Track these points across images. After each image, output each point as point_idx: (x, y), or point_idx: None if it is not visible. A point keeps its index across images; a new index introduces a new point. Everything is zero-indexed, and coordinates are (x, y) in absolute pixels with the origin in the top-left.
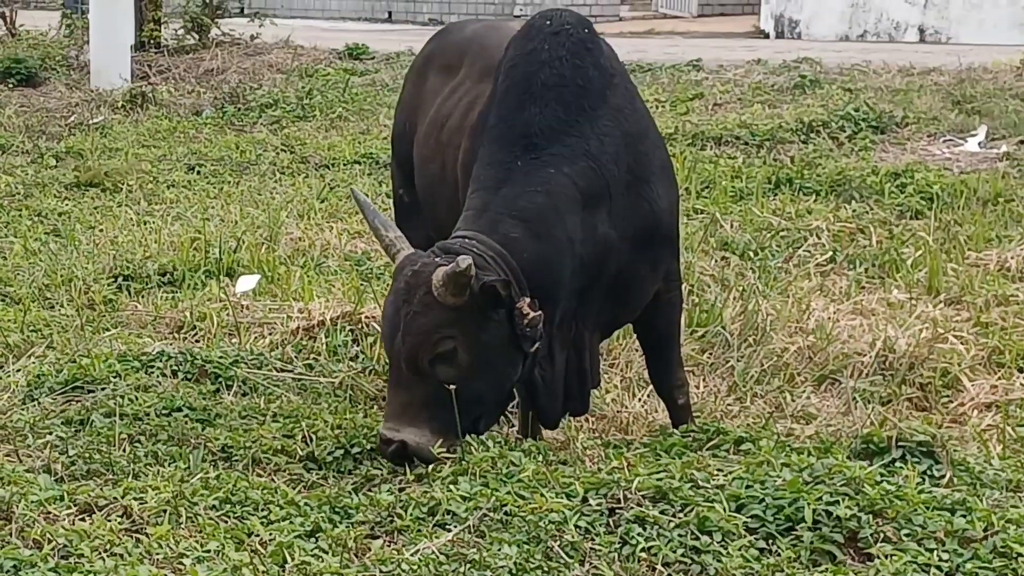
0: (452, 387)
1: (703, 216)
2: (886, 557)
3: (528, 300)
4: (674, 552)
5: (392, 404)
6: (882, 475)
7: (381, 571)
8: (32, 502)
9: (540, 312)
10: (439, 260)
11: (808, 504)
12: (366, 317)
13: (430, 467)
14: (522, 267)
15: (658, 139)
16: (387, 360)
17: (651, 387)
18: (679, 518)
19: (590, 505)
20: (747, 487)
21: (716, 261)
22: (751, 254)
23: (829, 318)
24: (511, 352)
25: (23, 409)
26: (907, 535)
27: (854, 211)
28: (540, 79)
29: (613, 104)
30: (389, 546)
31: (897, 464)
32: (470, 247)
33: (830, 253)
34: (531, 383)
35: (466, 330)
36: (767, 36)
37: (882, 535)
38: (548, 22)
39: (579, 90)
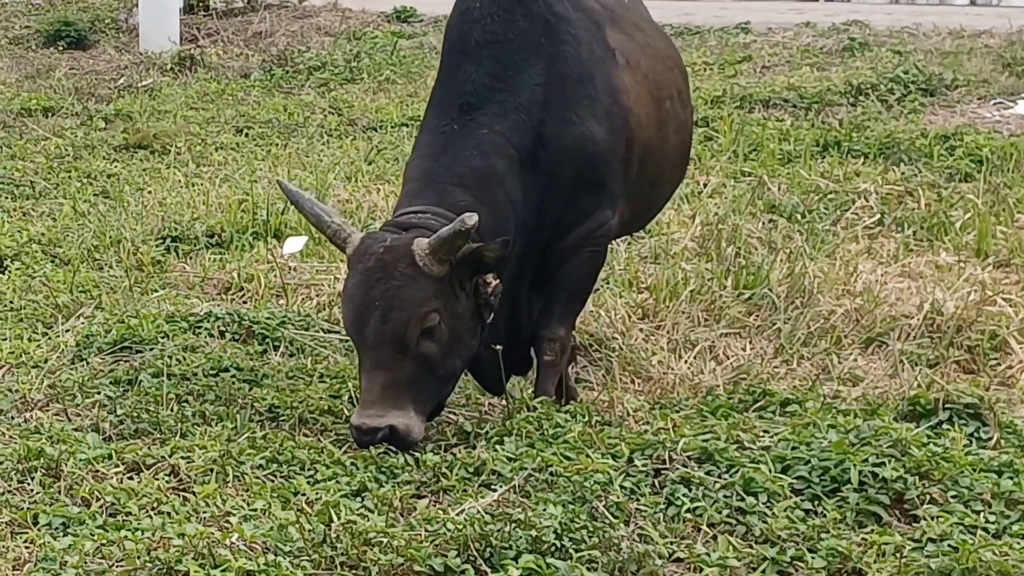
0: (432, 363)
1: (751, 179)
2: (932, 519)
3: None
4: (719, 513)
5: (370, 389)
6: (929, 437)
7: (427, 530)
8: (80, 460)
9: (499, 280)
10: (407, 235)
11: (854, 465)
12: None
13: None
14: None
15: (607, 84)
16: (356, 346)
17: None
18: (725, 479)
19: (635, 466)
20: (793, 448)
21: (763, 224)
22: (799, 216)
23: (877, 281)
24: (474, 323)
25: (72, 369)
26: (954, 497)
27: (903, 174)
28: (473, 38)
29: (548, 52)
30: (435, 506)
31: (944, 426)
32: (428, 222)
33: (878, 216)
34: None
35: (446, 302)
36: None
37: (928, 497)
38: None
39: (511, 44)
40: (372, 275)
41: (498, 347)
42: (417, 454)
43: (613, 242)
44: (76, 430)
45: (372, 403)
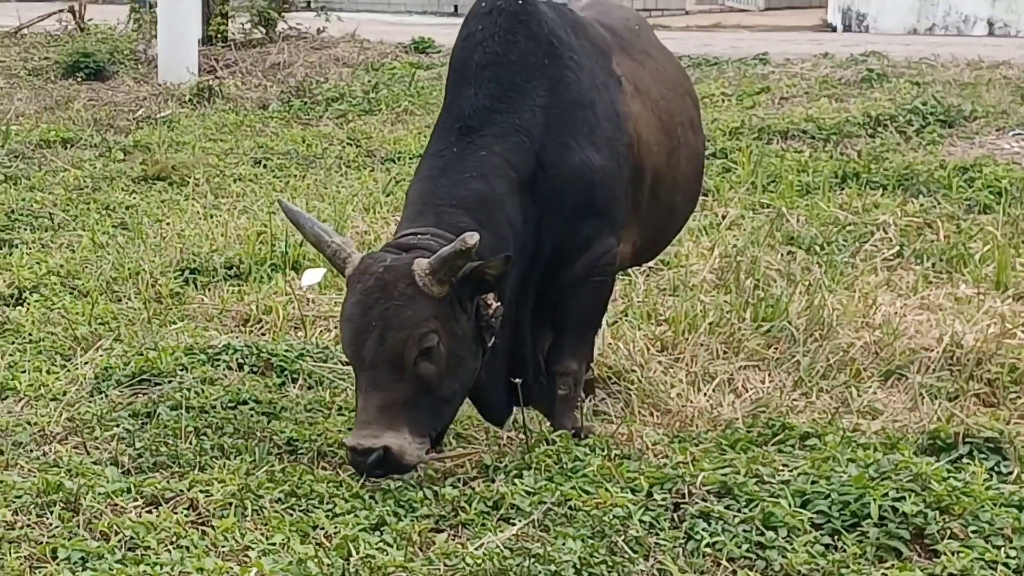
0: (430, 384)
1: (769, 210)
2: (953, 554)
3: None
4: (739, 547)
5: (366, 410)
6: (949, 471)
7: (445, 565)
8: (99, 494)
9: (500, 304)
10: (407, 255)
11: (874, 500)
12: None
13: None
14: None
15: (609, 111)
16: (353, 367)
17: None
18: (744, 513)
19: (655, 500)
20: (812, 483)
21: (782, 255)
22: (817, 248)
23: (896, 313)
24: (475, 346)
25: (91, 401)
26: (974, 532)
27: (921, 205)
28: (474, 61)
29: (551, 75)
30: (454, 540)
31: (964, 460)
32: (428, 243)
33: (897, 248)
34: (481, 376)
35: (445, 324)
36: (834, 30)
37: (949, 532)
38: (483, 3)
39: (512, 65)
40: (371, 295)
41: (517, 380)
42: (436, 488)
43: (631, 274)
44: (95, 463)
45: (367, 424)
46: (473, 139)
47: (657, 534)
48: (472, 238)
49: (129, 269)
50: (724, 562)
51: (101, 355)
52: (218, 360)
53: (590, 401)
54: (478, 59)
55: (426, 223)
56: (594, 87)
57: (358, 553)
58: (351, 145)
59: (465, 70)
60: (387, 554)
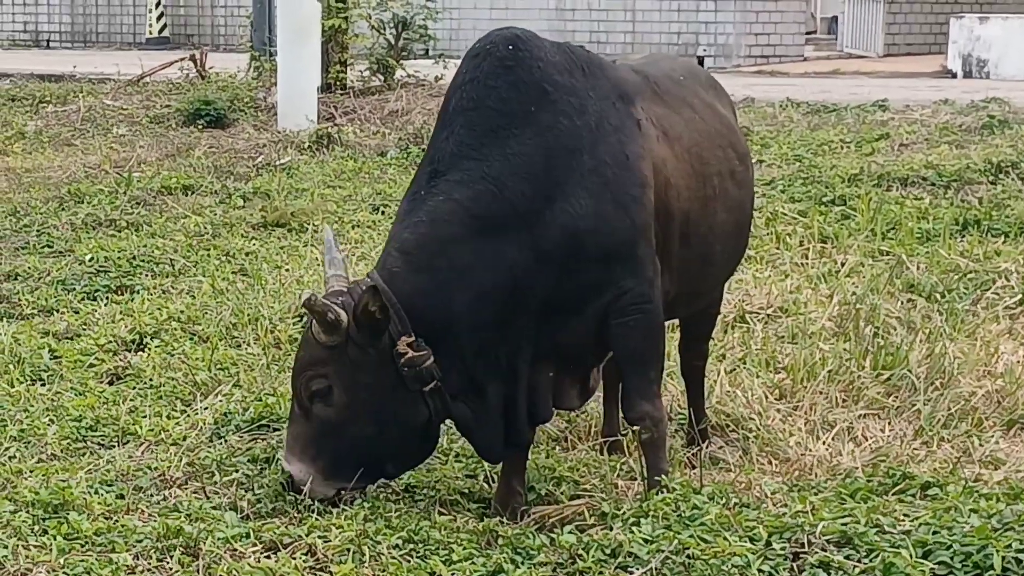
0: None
1: (889, 257)
2: None
3: (410, 339)
4: None
5: (286, 434)
6: None
7: None
8: (219, 539)
9: (425, 351)
10: (333, 300)
11: (997, 551)
12: None
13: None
14: (403, 302)
15: (616, 153)
16: None
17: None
18: (864, 564)
19: (774, 549)
20: (934, 533)
21: (902, 303)
22: (938, 296)
23: (1018, 362)
24: (400, 393)
25: (210, 447)
26: None
27: None
28: (452, 104)
29: (540, 121)
30: None
31: None
32: (356, 290)
33: (1019, 296)
34: (458, 420)
35: (341, 370)
36: (954, 76)
37: None
38: (478, 44)
39: (490, 112)
40: (303, 332)
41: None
42: (553, 535)
43: (748, 321)
44: (214, 508)
45: (285, 446)
46: (437, 183)
47: None
48: (314, 303)
49: (248, 315)
50: None
51: (220, 401)
52: None
53: (707, 447)
54: (455, 103)
55: (377, 264)
56: (597, 130)
57: None
58: None
59: (444, 113)
60: None
